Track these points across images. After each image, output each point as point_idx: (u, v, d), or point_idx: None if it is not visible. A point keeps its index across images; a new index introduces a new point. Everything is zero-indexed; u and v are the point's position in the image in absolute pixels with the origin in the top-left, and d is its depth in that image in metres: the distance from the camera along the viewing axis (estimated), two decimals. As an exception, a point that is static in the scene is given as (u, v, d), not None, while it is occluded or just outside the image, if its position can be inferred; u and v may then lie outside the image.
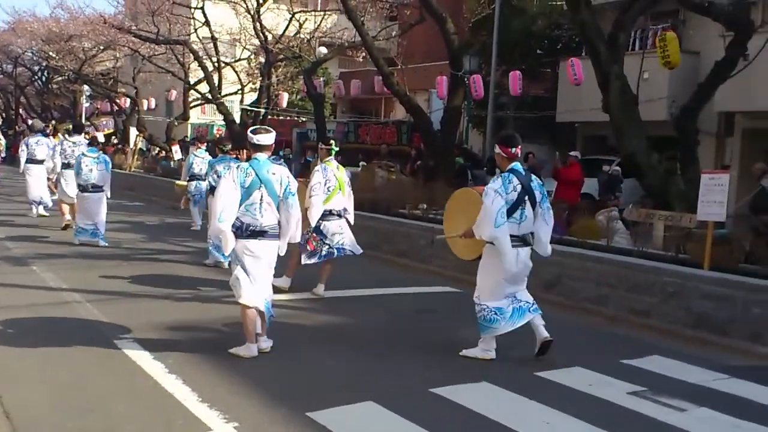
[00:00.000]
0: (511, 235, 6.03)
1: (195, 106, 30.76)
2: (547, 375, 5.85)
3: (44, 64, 37.68)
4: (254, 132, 6.13)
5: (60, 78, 36.07)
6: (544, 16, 20.43)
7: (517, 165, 6.24)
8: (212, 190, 9.95)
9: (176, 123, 28.66)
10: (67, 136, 13.96)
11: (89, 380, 5.24)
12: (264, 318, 6.12)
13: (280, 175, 6.02)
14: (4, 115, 51.98)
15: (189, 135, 30.11)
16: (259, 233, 5.88)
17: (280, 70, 26.07)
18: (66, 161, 12.84)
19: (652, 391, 5.55)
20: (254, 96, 26.33)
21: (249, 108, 25.51)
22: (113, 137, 36.05)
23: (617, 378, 5.85)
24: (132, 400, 4.88)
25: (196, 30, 25.96)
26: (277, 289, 7.24)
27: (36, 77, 42.68)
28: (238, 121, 24.89)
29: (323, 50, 23.78)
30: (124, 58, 34.94)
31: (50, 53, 32.58)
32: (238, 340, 6.38)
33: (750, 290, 7.17)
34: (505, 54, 18.74)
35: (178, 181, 14.92)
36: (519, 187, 6.10)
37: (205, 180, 12.13)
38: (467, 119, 22.62)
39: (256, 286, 5.92)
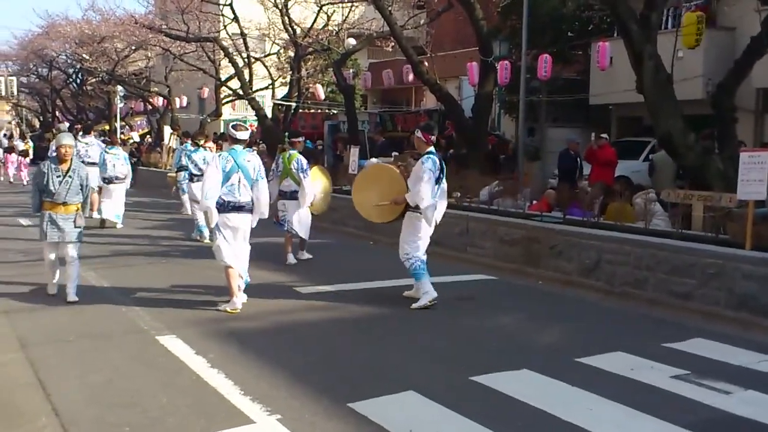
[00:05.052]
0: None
1: (227, 103, 30.98)
2: (588, 360, 5.80)
3: (78, 66, 38.31)
4: (234, 128, 7.34)
5: (94, 79, 36.56)
6: (574, -2, 20.15)
7: (432, 149, 7.57)
8: (191, 176, 12.15)
9: (209, 120, 28.85)
10: (79, 137, 15.16)
11: (133, 376, 5.34)
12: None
13: (253, 162, 7.36)
14: (41, 118, 53.00)
15: (221, 131, 30.31)
16: (237, 208, 7.21)
17: (310, 63, 26.09)
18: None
19: (695, 374, 5.48)
20: (285, 90, 26.39)
21: (280, 102, 25.60)
22: (148, 136, 36.53)
23: (659, 362, 5.78)
24: (175, 395, 4.95)
25: (225, 27, 26.07)
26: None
27: (71, 80, 43.44)
28: (270, 115, 25.00)
29: (352, 41, 23.70)
30: (155, 58, 35.36)
31: (84, 55, 33.02)
32: (279, 333, 6.46)
33: (794, 269, 7.02)
34: (536, 38, 18.52)
35: (169, 173, 16.59)
36: (438, 166, 7.49)
37: None
38: (499, 105, 22.44)
39: (235, 250, 7.24)
